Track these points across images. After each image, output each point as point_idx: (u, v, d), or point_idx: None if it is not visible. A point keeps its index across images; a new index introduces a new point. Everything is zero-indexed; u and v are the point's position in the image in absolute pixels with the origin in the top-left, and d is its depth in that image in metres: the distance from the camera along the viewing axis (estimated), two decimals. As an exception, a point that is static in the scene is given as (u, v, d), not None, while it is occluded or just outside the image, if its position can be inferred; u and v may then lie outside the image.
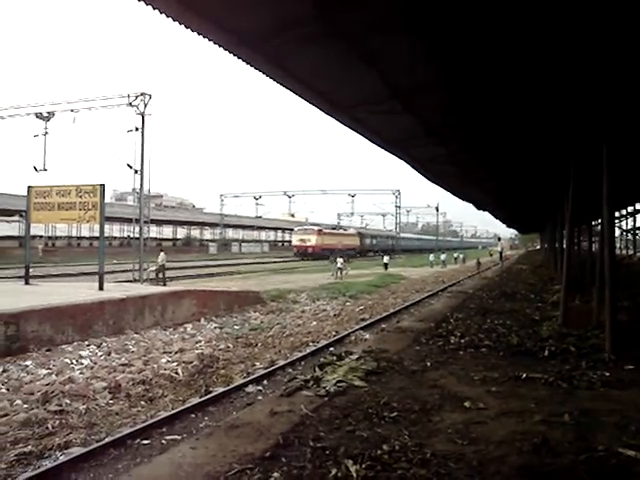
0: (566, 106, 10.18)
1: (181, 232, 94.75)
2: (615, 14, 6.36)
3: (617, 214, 22.26)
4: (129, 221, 40.25)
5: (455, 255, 68.77)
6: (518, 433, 5.93)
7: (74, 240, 74.37)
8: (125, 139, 33.99)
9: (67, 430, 8.23)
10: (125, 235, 72.09)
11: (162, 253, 28.51)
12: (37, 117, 32.02)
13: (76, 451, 7.42)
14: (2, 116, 33.79)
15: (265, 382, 11.19)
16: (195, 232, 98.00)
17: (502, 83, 9.10)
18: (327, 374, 8.53)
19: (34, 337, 12.36)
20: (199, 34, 7.27)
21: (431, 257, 58.89)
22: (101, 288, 17.47)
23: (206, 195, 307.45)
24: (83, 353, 12.32)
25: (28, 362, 11.34)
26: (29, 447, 7.52)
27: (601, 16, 6.46)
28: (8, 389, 9.80)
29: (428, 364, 9.44)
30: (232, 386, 10.67)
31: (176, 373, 11.35)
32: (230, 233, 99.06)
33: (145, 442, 7.88)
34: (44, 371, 10.83)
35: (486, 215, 53.09)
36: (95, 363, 11.67)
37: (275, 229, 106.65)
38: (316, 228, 74.51)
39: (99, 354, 12.43)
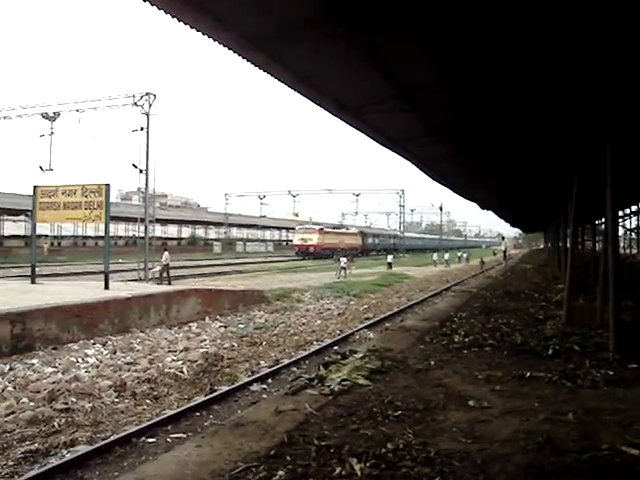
0: (570, 105, 10.17)
1: (186, 231, 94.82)
2: (618, 13, 6.37)
3: (621, 213, 22.25)
4: (134, 220, 40.26)
5: (459, 254, 68.76)
6: (522, 432, 5.95)
7: (80, 239, 74.54)
8: (130, 139, 33.93)
9: (73, 428, 8.27)
10: (130, 234, 72.10)
11: (166, 252, 28.56)
12: (43, 117, 32.15)
13: (82, 449, 7.46)
14: (9, 116, 33.90)
15: (270, 381, 11.22)
16: (200, 231, 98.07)
17: (507, 82, 9.11)
18: (331, 373, 8.56)
19: (40, 336, 12.41)
20: (207, 36, 7.30)
21: (435, 256, 58.83)
22: (107, 287, 17.53)
23: (211, 194, 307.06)
24: (89, 352, 12.37)
25: (34, 360, 11.39)
26: (35, 445, 7.57)
27: (604, 15, 6.46)
28: (15, 387, 9.86)
29: (432, 363, 9.46)
30: (237, 385, 10.70)
31: (181, 372, 11.39)
32: (234, 232, 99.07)
33: (150, 440, 7.92)
34: (50, 369, 10.88)
35: (490, 214, 53.01)
36: (101, 362, 11.71)
37: (279, 228, 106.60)
38: (317, 227, 73.55)
39: (105, 353, 12.47)
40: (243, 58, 8.07)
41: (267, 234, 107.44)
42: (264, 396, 10.03)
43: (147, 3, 6.40)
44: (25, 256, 39.45)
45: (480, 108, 10.82)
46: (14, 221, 63.31)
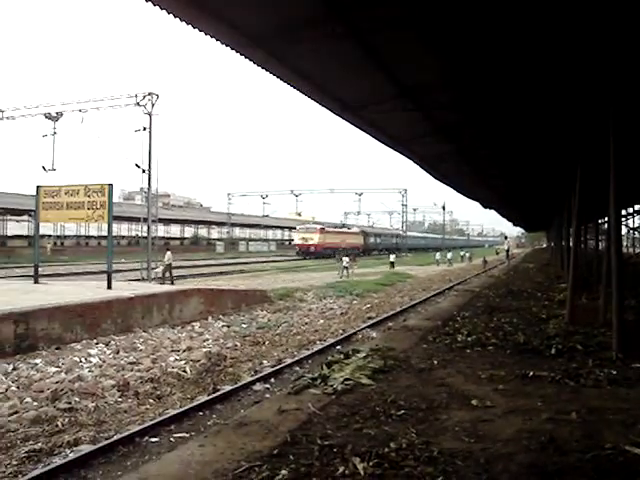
0: (572, 101, 10.17)
1: (188, 231, 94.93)
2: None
3: (624, 212, 22.19)
4: (137, 220, 40.39)
5: (461, 253, 68.72)
6: (525, 431, 5.94)
7: (82, 239, 74.65)
8: (133, 139, 34.00)
9: (76, 428, 8.28)
10: (133, 234, 72.34)
11: (168, 252, 28.57)
12: (46, 117, 32.15)
13: (85, 448, 7.47)
14: (12, 116, 33.93)
15: (273, 380, 11.22)
16: (202, 231, 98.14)
17: (509, 78, 9.12)
18: (334, 372, 8.56)
19: (43, 335, 12.43)
20: (210, 35, 7.31)
21: (437, 255, 58.83)
22: (109, 287, 17.55)
23: (213, 194, 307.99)
24: (92, 351, 12.38)
25: (38, 360, 11.41)
26: (39, 444, 7.58)
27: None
28: (18, 387, 9.88)
29: (435, 362, 9.45)
30: (240, 384, 10.70)
31: (184, 371, 11.40)
32: (237, 232, 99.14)
33: (153, 440, 7.93)
34: (53, 369, 10.90)
35: (492, 213, 53.03)
36: (104, 361, 11.73)
37: (282, 228, 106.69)
38: (318, 227, 73.09)
39: (108, 352, 12.48)
40: (244, 57, 8.09)
41: (270, 234, 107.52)
42: (267, 395, 10.04)
43: (149, 3, 6.42)
44: (28, 256, 39.52)
45: (481, 105, 10.84)
46: (17, 221, 63.42)
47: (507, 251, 63.24)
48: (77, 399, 9.30)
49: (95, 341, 13.25)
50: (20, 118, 33.77)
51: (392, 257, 48.50)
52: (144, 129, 28.43)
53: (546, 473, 4.89)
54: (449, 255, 58.93)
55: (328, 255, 64.86)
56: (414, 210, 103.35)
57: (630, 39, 7.29)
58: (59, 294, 15.37)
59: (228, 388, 10.42)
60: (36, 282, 19.60)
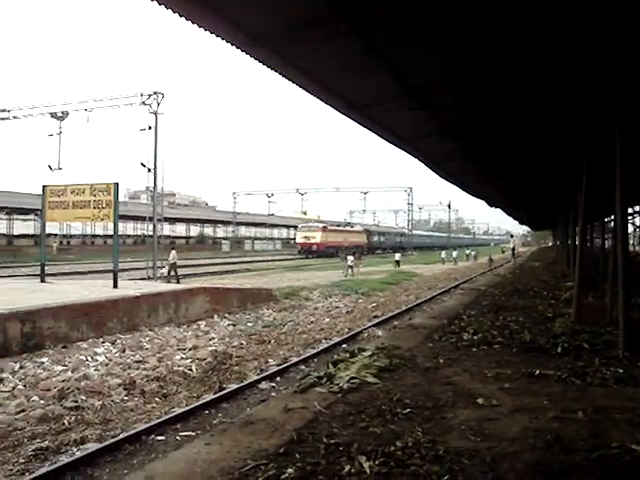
0: (578, 98, 10.14)
1: (194, 230, 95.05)
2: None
3: (630, 210, 22.12)
4: (143, 219, 40.45)
5: (467, 252, 68.62)
6: (531, 430, 5.93)
7: (88, 238, 74.91)
8: (138, 138, 34.11)
9: (83, 426, 8.30)
10: (139, 233, 72.45)
11: (173, 251, 28.63)
12: (52, 117, 32.27)
13: (92, 447, 7.49)
14: (18, 116, 34.05)
15: (278, 379, 11.22)
16: (208, 230, 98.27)
17: (513, 76, 9.10)
18: (340, 371, 8.56)
19: (50, 334, 12.47)
20: (215, 34, 7.31)
21: (443, 254, 58.78)
22: (115, 286, 17.60)
23: (219, 193, 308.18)
24: (98, 350, 12.41)
25: (44, 359, 11.44)
26: (46, 442, 7.60)
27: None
28: (25, 385, 9.91)
29: (441, 361, 9.44)
30: (246, 383, 10.71)
31: (190, 370, 11.42)
32: (243, 231, 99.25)
33: (160, 438, 7.94)
34: (60, 368, 10.93)
35: (498, 212, 52.93)
36: (110, 360, 11.76)
37: (287, 227, 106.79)
38: (320, 225, 72.23)
39: (114, 351, 12.51)
40: (248, 55, 8.09)
41: (275, 232, 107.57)
42: (273, 394, 10.04)
43: (155, 2, 6.43)
44: (34, 255, 39.62)
45: (486, 104, 10.82)
46: (24, 220, 63.63)
47: (513, 249, 63.14)
48: (83, 397, 9.32)
49: (101, 340, 13.28)
50: (26, 117, 33.93)
51: (397, 256, 48.41)
52: (149, 128, 28.50)
53: (552, 472, 4.88)
54: (454, 254, 58.88)
55: (331, 254, 64.67)
56: (420, 209, 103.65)
57: (635, 35, 7.26)
58: (65, 293, 15.41)
59: (234, 387, 10.43)
60: (42, 281, 19.66)
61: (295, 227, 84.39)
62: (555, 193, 24.90)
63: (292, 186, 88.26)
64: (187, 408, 9.11)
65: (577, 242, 18.70)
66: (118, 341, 13.36)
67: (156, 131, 28.43)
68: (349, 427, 6.11)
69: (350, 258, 36.42)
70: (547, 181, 21.63)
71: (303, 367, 12.07)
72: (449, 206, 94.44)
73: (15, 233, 64.24)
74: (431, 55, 8.39)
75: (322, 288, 26.11)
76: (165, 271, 28.07)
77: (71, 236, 71.84)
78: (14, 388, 9.69)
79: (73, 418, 8.52)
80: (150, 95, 28.54)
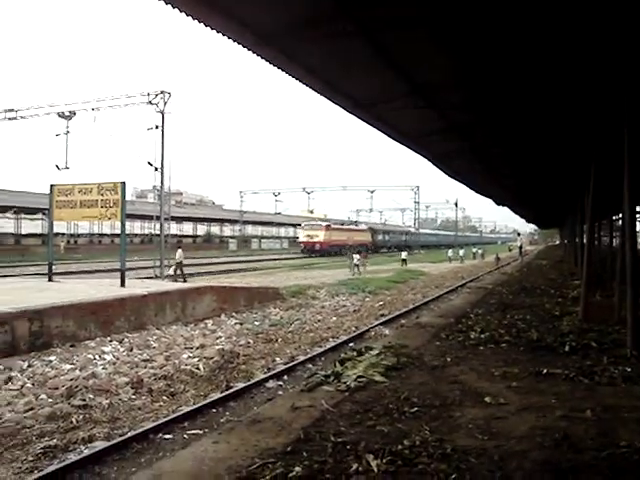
0: (586, 98, 10.10)
1: (201, 229, 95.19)
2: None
3: (638, 208, 22.04)
4: (150, 218, 40.60)
5: (474, 250, 68.47)
6: (539, 428, 5.92)
7: (95, 237, 75.08)
8: (145, 137, 34.17)
9: (91, 424, 8.33)
10: (146, 232, 72.59)
11: (179, 250, 28.69)
12: (59, 116, 32.39)
13: (100, 445, 7.52)
14: (25, 116, 34.18)
15: (285, 377, 11.23)
16: (215, 229, 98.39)
17: (521, 75, 9.07)
18: (347, 369, 8.56)
19: (58, 333, 12.51)
20: (221, 33, 7.32)
21: (449, 253, 58.76)
22: (123, 284, 17.63)
23: (226, 192, 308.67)
24: (106, 349, 12.44)
25: (52, 357, 11.48)
26: (54, 440, 7.63)
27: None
28: (33, 384, 9.94)
29: (448, 359, 9.43)
30: (253, 381, 10.72)
31: (197, 368, 11.43)
32: (249, 230, 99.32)
33: (167, 437, 7.96)
34: (68, 366, 10.96)
35: (505, 210, 52.79)
36: (117, 358, 11.78)
37: (294, 225, 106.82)
38: (324, 223, 71.17)
39: (121, 350, 12.54)
40: (255, 54, 8.09)
41: (282, 231, 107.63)
42: (280, 393, 10.05)
43: (162, 2, 6.44)
44: (42, 254, 39.76)
45: (493, 104, 10.79)
46: (31, 220, 63.85)
47: (520, 248, 63.00)
48: (91, 396, 9.35)
49: (109, 339, 13.30)
50: (34, 117, 34.06)
51: (404, 254, 48.44)
52: (156, 127, 28.54)
53: (560, 471, 4.87)
54: (461, 252, 58.82)
55: (334, 253, 64.40)
56: (426, 207, 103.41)
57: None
58: (73, 292, 15.45)
59: (241, 385, 10.44)
60: (50, 280, 19.71)
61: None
62: (563, 192, 24.82)
63: (299, 185, 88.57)
64: (194, 407, 9.13)
65: (585, 240, 18.63)
66: (126, 340, 13.38)
67: (163, 130, 28.50)
68: (356, 426, 6.12)
69: (356, 257, 36.41)
70: (555, 180, 21.56)
71: (310, 366, 12.08)
72: (456, 204, 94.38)
73: (23, 232, 64.49)
74: (438, 54, 8.37)
75: (329, 287, 26.11)
76: (172, 270, 28.13)
77: (78, 235, 72.07)
78: (23, 386, 9.73)
79: (81, 416, 8.55)
80: (157, 94, 28.59)
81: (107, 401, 9.23)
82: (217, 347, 13.11)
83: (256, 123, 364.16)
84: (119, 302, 14.59)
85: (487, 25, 7.19)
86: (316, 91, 10.24)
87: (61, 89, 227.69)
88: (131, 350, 12.54)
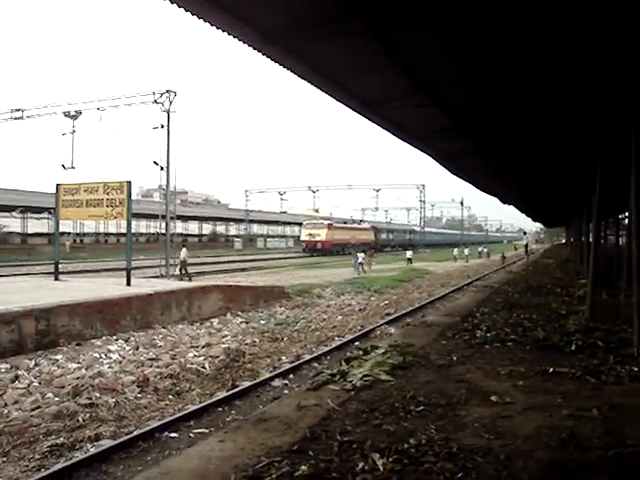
0: (593, 97, 10.06)
1: (207, 228, 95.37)
2: None
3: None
4: (155, 217, 40.66)
5: (479, 249, 68.35)
6: (545, 428, 5.91)
7: (101, 236, 75.27)
8: (151, 136, 34.26)
9: (97, 423, 8.37)
10: (152, 231, 72.79)
11: (184, 248, 28.74)
12: (65, 116, 32.44)
13: (106, 443, 7.55)
14: (32, 115, 34.26)
15: (291, 376, 11.25)
16: (220, 228, 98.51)
17: (527, 75, 9.04)
18: (353, 368, 8.56)
19: (64, 332, 12.55)
20: (227, 33, 7.31)
21: (455, 251, 58.73)
22: (129, 283, 17.66)
23: (231, 191, 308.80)
24: (112, 347, 12.48)
25: (58, 356, 11.52)
26: (61, 439, 7.68)
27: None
28: (40, 382, 9.98)
29: (454, 358, 9.42)
30: (259, 380, 10.75)
31: (203, 367, 11.45)
32: (255, 228, 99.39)
33: (173, 435, 7.99)
34: (74, 365, 11.00)
35: (511, 209, 52.67)
36: (123, 357, 11.81)
37: (299, 224, 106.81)
38: (326, 222, 70.10)
39: (127, 348, 12.57)
40: (261, 54, 8.07)
41: (287, 230, 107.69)
42: (286, 391, 10.07)
43: (167, 1, 6.44)
44: (48, 253, 39.95)
45: (498, 102, 10.75)
46: (37, 219, 64.09)
47: (526, 247, 62.91)
48: (97, 395, 9.38)
49: (115, 337, 13.34)
50: (40, 117, 34.14)
51: (409, 253, 48.43)
52: (162, 127, 28.55)
53: (567, 470, 4.86)
54: (466, 251, 58.78)
55: (336, 252, 64.18)
56: (432, 206, 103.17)
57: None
58: (79, 291, 15.50)
59: (247, 384, 10.46)
60: (56, 279, 19.76)
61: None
62: (569, 191, 24.74)
63: (304, 184, 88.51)
64: (200, 405, 9.17)
65: (591, 239, 18.57)
66: (132, 339, 13.42)
67: (168, 129, 28.50)
68: (362, 424, 6.11)
69: (361, 255, 36.42)
70: (561, 179, 21.47)
71: (316, 365, 12.09)
72: (462, 203, 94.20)
73: (29, 231, 64.78)
74: (445, 53, 8.34)
75: (334, 285, 26.12)
76: (178, 270, 28.19)
77: (84, 234, 72.28)
78: (29, 385, 9.77)
79: (87, 415, 8.59)
80: (162, 94, 28.59)
81: (113, 400, 9.25)
82: (223, 346, 13.14)
83: (261, 122, 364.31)
84: (125, 301, 14.62)
85: (495, 23, 7.16)
86: (323, 90, 10.20)
87: (67, 89, 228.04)
88: (137, 349, 12.58)
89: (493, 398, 7.04)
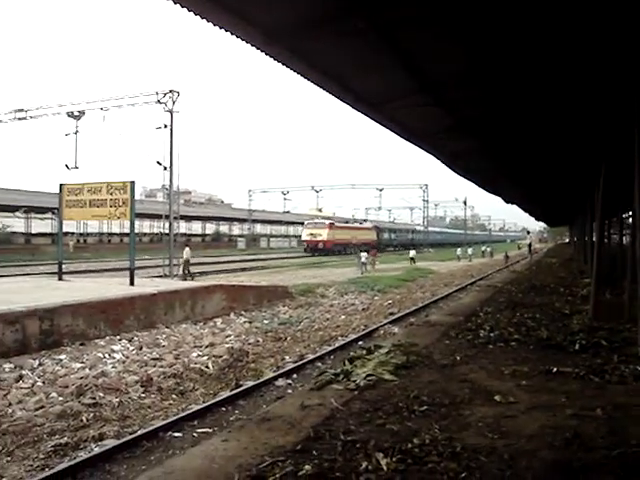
0: (598, 94, 10.04)
1: (210, 228, 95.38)
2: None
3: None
4: (159, 217, 40.67)
5: (483, 249, 68.28)
6: (549, 427, 5.90)
7: (105, 236, 75.35)
8: (154, 136, 34.19)
9: (101, 422, 8.39)
10: (155, 231, 72.80)
11: (187, 248, 28.78)
12: (68, 116, 32.48)
13: (110, 443, 7.56)
14: (35, 116, 34.31)
15: (295, 376, 11.26)
16: (224, 227, 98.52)
17: (530, 73, 9.03)
18: (357, 368, 8.55)
19: (68, 331, 12.57)
20: (230, 33, 7.31)
21: (458, 251, 58.69)
22: (132, 283, 17.69)
23: (234, 191, 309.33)
24: (115, 347, 12.50)
25: (62, 356, 11.55)
26: (65, 438, 7.70)
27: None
28: (44, 382, 10.01)
29: (458, 358, 9.40)
30: (262, 380, 10.75)
31: (207, 367, 11.47)
32: (258, 228, 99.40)
33: (177, 435, 8.00)
34: (78, 365, 11.02)
35: (514, 208, 52.59)
36: (127, 357, 11.84)
37: (303, 224, 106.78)
38: (327, 222, 69.53)
39: (131, 348, 12.59)
40: (265, 53, 8.07)
41: (291, 230, 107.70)
42: (289, 391, 10.08)
43: (170, 1, 6.44)
44: (52, 253, 40.04)
45: (503, 102, 10.74)
46: (41, 219, 64.19)
47: (529, 246, 62.89)
48: (101, 394, 9.40)
49: (118, 337, 13.36)
50: (43, 117, 34.19)
51: (412, 253, 48.47)
52: (165, 126, 28.59)
53: (571, 469, 4.85)
54: (469, 251, 58.72)
55: (338, 252, 64.04)
56: (435, 205, 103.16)
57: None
58: (82, 291, 15.53)
59: (250, 384, 10.47)
60: (60, 279, 19.81)
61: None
62: (572, 190, 24.70)
63: (307, 183, 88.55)
64: (204, 405, 9.18)
65: (594, 238, 18.54)
66: (135, 338, 13.44)
67: (172, 129, 28.55)
68: (366, 424, 6.11)
69: (364, 254, 36.43)
70: (565, 178, 21.43)
71: (319, 364, 12.09)
72: (465, 203, 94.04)
73: (33, 232, 64.86)
74: (450, 52, 8.34)
75: (338, 285, 26.13)
76: (182, 269, 28.23)
77: (88, 234, 72.35)
78: (33, 385, 9.80)
79: (91, 415, 8.61)
80: (165, 94, 28.63)
81: (117, 399, 9.28)
82: (226, 346, 13.16)
83: (265, 122, 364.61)
84: (129, 301, 14.64)
85: (500, 22, 7.15)
86: (326, 90, 10.17)
87: (70, 89, 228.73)
88: (141, 349, 12.60)
89: (497, 398, 7.02)
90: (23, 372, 10.38)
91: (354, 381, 7.85)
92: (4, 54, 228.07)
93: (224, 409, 9.20)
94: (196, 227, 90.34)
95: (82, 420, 8.40)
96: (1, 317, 11.31)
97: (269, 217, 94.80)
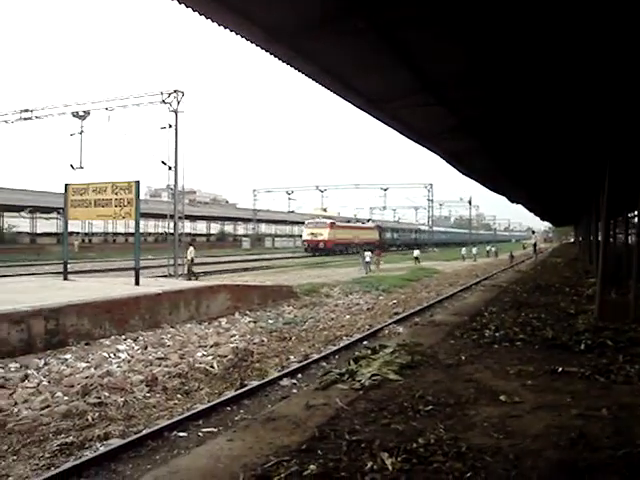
0: (603, 93, 10.01)
1: (215, 227, 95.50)
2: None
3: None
4: (164, 217, 40.74)
5: (487, 248, 68.14)
6: (554, 427, 5.89)
7: (110, 236, 75.50)
8: (159, 136, 34.35)
9: (106, 422, 8.40)
10: (160, 231, 72.98)
11: (191, 247, 28.81)
12: (73, 116, 32.57)
13: (115, 442, 7.57)
14: (40, 116, 34.40)
15: (300, 376, 11.25)
16: (228, 227, 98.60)
17: (533, 71, 9.01)
18: (362, 368, 8.55)
19: (73, 331, 12.59)
20: (235, 32, 7.32)
21: (463, 251, 58.61)
22: (137, 283, 17.70)
23: (239, 190, 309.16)
24: (120, 347, 12.51)
25: (68, 355, 11.56)
26: (70, 438, 7.71)
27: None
28: (49, 381, 10.02)
29: (463, 358, 9.40)
30: (267, 379, 10.75)
31: (211, 367, 11.47)
32: (263, 228, 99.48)
33: (182, 434, 8.00)
34: (83, 364, 11.04)
35: (519, 208, 52.50)
36: (132, 357, 11.85)
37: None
38: (328, 221, 68.59)
39: (136, 348, 12.60)
40: (267, 52, 8.08)
41: (295, 229, 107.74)
42: (294, 391, 10.07)
43: (175, 1, 6.45)
44: (57, 253, 40.11)
45: (506, 101, 10.72)
46: (46, 219, 64.39)
47: (534, 246, 62.68)
48: (106, 394, 9.41)
49: (123, 337, 13.36)
50: (48, 117, 34.29)
51: (416, 253, 48.42)
52: (170, 126, 28.59)
53: (576, 469, 4.84)
54: (474, 250, 58.64)
55: (339, 252, 63.86)
56: (440, 205, 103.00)
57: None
58: (87, 290, 15.55)
59: (255, 383, 10.47)
60: (65, 279, 19.83)
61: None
62: (578, 189, 24.64)
63: (312, 183, 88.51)
64: (209, 404, 9.18)
65: (600, 238, 18.49)
66: (140, 338, 13.45)
67: (176, 129, 28.55)
68: (371, 424, 6.11)
69: (368, 254, 36.42)
70: (570, 178, 21.39)
71: (324, 364, 12.09)
72: (470, 202, 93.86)
73: (38, 231, 65.07)
74: (450, 52, 8.33)
75: (342, 285, 26.11)
76: (186, 269, 28.27)
77: (93, 234, 72.55)
78: (39, 384, 9.81)
79: (96, 414, 8.62)
80: (170, 94, 28.64)
81: (122, 399, 9.29)
82: (231, 345, 13.16)
83: (269, 121, 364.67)
84: (134, 301, 14.66)
85: (499, 22, 7.14)
86: (329, 89, 10.18)
87: (75, 89, 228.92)
88: (145, 348, 12.61)
89: (502, 397, 7.02)
90: (29, 371, 10.40)
91: (359, 381, 7.85)
92: (10, 54, 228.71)
93: (229, 409, 9.20)
94: (201, 227, 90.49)
95: (87, 419, 8.41)
96: (7, 317, 11.33)
97: (274, 217, 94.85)
